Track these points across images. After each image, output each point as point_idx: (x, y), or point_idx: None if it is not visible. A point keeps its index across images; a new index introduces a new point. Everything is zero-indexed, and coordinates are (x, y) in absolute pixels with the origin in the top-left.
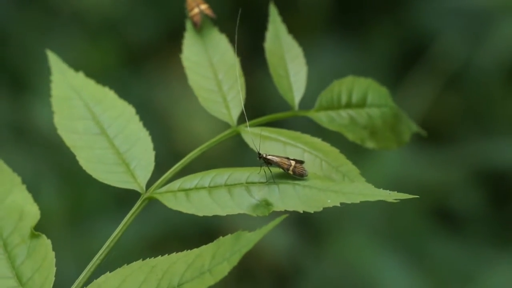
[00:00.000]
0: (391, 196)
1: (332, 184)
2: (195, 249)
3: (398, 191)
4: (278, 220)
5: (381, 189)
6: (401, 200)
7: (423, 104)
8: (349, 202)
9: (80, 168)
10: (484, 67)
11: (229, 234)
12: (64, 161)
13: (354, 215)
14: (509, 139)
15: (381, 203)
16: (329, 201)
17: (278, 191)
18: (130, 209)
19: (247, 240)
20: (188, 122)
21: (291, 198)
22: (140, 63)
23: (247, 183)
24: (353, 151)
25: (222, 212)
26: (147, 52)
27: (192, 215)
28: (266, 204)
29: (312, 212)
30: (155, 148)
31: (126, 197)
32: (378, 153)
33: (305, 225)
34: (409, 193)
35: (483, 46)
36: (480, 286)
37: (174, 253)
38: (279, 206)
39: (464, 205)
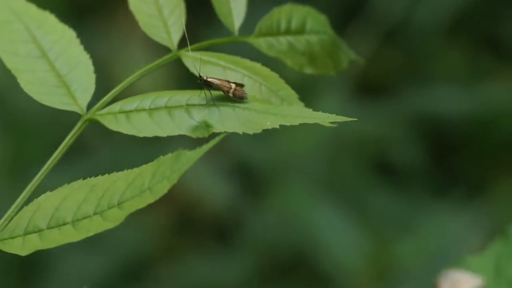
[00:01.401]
0: (330, 118)
1: (271, 107)
2: (135, 169)
3: (338, 143)
4: (218, 139)
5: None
6: (342, 151)
7: (362, 59)
8: (288, 124)
9: (20, 118)
10: (423, 21)
11: (169, 153)
12: (2, 111)
13: (295, 166)
14: (447, 88)
15: (322, 153)
16: (268, 123)
17: (218, 113)
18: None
19: (187, 158)
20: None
21: (231, 120)
22: (85, 14)
23: (187, 105)
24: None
25: (162, 133)
26: (92, 3)
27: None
28: (206, 125)
29: (251, 133)
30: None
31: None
32: (318, 105)
33: (246, 175)
34: (349, 146)
35: (422, 0)
36: (417, 235)
37: (115, 172)
38: (218, 128)
39: (404, 157)
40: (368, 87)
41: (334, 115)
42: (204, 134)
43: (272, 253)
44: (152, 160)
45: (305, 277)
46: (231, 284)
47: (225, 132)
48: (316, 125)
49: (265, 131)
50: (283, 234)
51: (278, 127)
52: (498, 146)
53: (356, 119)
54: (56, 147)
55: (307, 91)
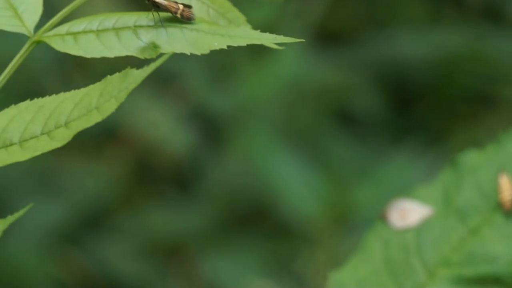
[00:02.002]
0: (277, 39)
1: (219, 28)
2: (83, 89)
3: (299, 92)
4: (165, 57)
5: (281, 84)
6: (303, 100)
7: (323, 8)
8: (235, 45)
9: None
10: None
11: (117, 73)
12: None
13: (255, 114)
14: (408, 36)
15: (283, 101)
16: (216, 44)
17: (166, 34)
18: None
19: (134, 77)
20: None
21: (179, 41)
22: None
23: (135, 26)
24: (253, 51)
25: (110, 54)
26: None
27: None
28: (154, 46)
29: (199, 54)
30: None
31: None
32: (278, 55)
33: (206, 123)
34: (311, 94)
35: None
36: (376, 181)
37: (62, 92)
38: (166, 49)
39: (364, 106)
40: (329, 36)
41: (282, 36)
42: (151, 55)
43: (233, 202)
44: None
45: (266, 225)
46: (192, 234)
47: (172, 51)
48: (277, 72)
49: (226, 77)
50: (244, 182)
51: (226, 47)
52: (458, 95)
53: (302, 40)
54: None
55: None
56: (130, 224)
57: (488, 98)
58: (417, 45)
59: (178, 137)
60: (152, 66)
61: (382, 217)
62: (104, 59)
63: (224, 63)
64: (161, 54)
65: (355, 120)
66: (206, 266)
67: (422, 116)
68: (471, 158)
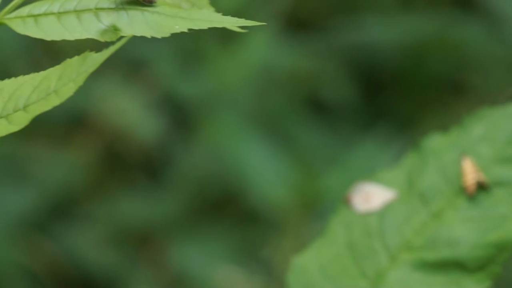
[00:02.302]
0: (238, 23)
1: (180, 10)
2: (41, 72)
3: (269, 79)
4: (124, 40)
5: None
6: (274, 86)
7: None
8: (196, 28)
9: None
10: None
11: (76, 56)
12: None
13: (225, 101)
14: (378, 22)
15: (253, 88)
16: (177, 27)
17: (127, 16)
18: None
19: (93, 60)
20: None
21: (140, 24)
22: None
23: (96, 8)
24: (223, 36)
25: (70, 37)
26: None
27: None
28: (114, 29)
29: (160, 37)
30: None
31: None
32: (248, 41)
33: (175, 110)
34: (281, 82)
35: None
36: (345, 168)
37: (21, 76)
38: (127, 31)
39: (335, 93)
40: (300, 22)
41: (243, 19)
42: (112, 37)
43: (203, 189)
44: None
45: (236, 212)
46: (161, 221)
47: (132, 34)
48: (247, 59)
49: (196, 64)
50: (214, 169)
51: (187, 31)
52: (428, 82)
53: (265, 23)
54: None
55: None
56: (100, 212)
57: (458, 84)
58: (387, 31)
59: (147, 124)
60: (111, 49)
61: (345, 201)
62: (73, 44)
63: (193, 49)
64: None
65: (325, 107)
66: (175, 253)
67: (392, 102)
68: (434, 142)
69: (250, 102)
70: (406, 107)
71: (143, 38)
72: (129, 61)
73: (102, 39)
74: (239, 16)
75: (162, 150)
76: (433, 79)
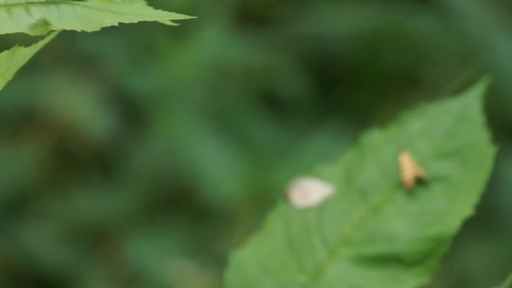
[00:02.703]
0: (169, 16)
1: (111, 4)
2: None
3: (222, 74)
4: (54, 34)
5: (202, 66)
6: (227, 81)
7: None
8: (127, 21)
9: None
10: None
11: (5, 51)
12: None
13: (178, 96)
14: (332, 14)
15: (206, 83)
16: (107, 21)
17: (57, 10)
18: None
19: (22, 55)
20: None
21: (70, 18)
22: None
23: (26, 3)
24: (175, 30)
25: (0, 31)
26: None
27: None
28: (45, 23)
29: (90, 31)
30: None
31: None
32: (198, 35)
33: (127, 105)
34: (234, 76)
35: None
36: (297, 161)
37: None
38: (57, 25)
39: (289, 87)
40: (253, 16)
41: (174, 13)
42: (42, 31)
43: (157, 185)
44: None
45: (190, 208)
46: (116, 218)
47: (63, 28)
48: (198, 53)
49: (147, 59)
50: (167, 165)
51: (117, 25)
52: (383, 74)
53: (195, 17)
54: None
55: (187, 23)
56: (53, 209)
57: (413, 77)
58: (341, 23)
59: (98, 120)
60: (41, 44)
61: (284, 196)
62: (16, 40)
63: (145, 44)
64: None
65: (279, 101)
66: (130, 250)
67: (347, 95)
68: (373, 137)
69: (203, 97)
70: (361, 100)
71: (94, 33)
72: (80, 56)
73: (32, 33)
74: (191, 11)
75: (114, 146)
76: (389, 72)
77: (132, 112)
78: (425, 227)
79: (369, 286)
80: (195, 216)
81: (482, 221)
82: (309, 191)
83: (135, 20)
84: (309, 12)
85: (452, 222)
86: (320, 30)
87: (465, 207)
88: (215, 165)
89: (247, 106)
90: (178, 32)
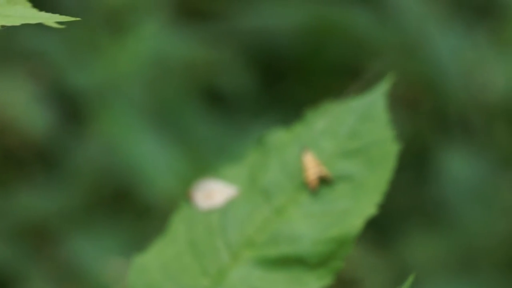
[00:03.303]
0: (53, 18)
1: None
2: None
3: (163, 69)
4: None
5: (132, 61)
6: (168, 77)
7: None
8: (9, 24)
9: None
10: None
11: None
12: None
13: (118, 91)
14: (275, 8)
15: (147, 78)
16: None
17: None
18: None
19: None
20: None
21: None
22: None
23: None
24: (111, 28)
25: None
26: None
27: None
28: None
29: None
30: None
31: None
32: (138, 30)
33: (66, 101)
34: (176, 72)
35: None
36: (233, 155)
37: None
38: None
39: (233, 83)
40: (195, 10)
41: (58, 15)
42: None
43: (98, 183)
44: None
45: (132, 206)
46: (57, 215)
47: None
48: (137, 48)
49: (86, 54)
50: (108, 163)
51: (0, 27)
52: (327, 68)
53: (79, 19)
54: None
55: (125, 18)
56: None
57: (357, 70)
58: (283, 17)
59: (38, 117)
60: None
61: (187, 198)
62: None
63: (84, 39)
64: None
65: (222, 97)
66: (70, 248)
67: (292, 89)
68: (277, 136)
69: (144, 93)
70: (305, 93)
71: (32, 28)
72: (19, 52)
73: None
74: (131, 7)
75: (55, 143)
76: (332, 66)
77: (73, 109)
78: (328, 228)
79: None
80: (136, 214)
81: (426, 214)
82: (213, 193)
83: (18, 22)
84: (251, 6)
85: (355, 222)
86: (262, 25)
87: (368, 207)
88: (155, 162)
89: (188, 101)
90: (118, 27)
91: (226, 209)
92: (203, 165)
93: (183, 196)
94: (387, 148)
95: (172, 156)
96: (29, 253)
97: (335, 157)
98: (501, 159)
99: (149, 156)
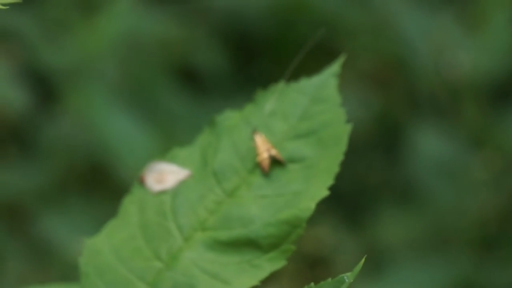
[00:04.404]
0: None
1: None
2: None
3: (136, 47)
4: None
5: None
6: (141, 55)
7: None
8: None
9: None
10: None
11: None
12: None
13: (90, 70)
14: None
15: (119, 57)
16: None
17: None
18: None
19: None
20: None
21: None
22: None
23: None
24: (84, 7)
25: None
26: None
27: None
28: None
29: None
30: None
31: None
32: (109, 8)
33: (39, 80)
34: (149, 51)
35: None
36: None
37: None
38: None
39: (207, 62)
40: None
41: None
42: None
43: (72, 162)
44: None
45: (105, 185)
46: (31, 194)
47: None
48: (109, 27)
49: (59, 33)
50: (82, 141)
51: None
52: (300, 47)
53: (20, 1)
54: None
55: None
56: None
57: (330, 50)
58: None
59: (12, 95)
60: None
61: (139, 180)
62: None
63: (57, 18)
64: None
65: (196, 76)
66: (44, 226)
67: (265, 69)
68: (228, 118)
69: (117, 71)
70: (279, 73)
71: (4, 9)
72: None
73: None
74: None
75: (30, 121)
76: (305, 45)
77: (47, 88)
78: (280, 210)
79: (225, 271)
80: (109, 193)
81: (397, 193)
82: (164, 175)
83: None
84: None
85: (307, 204)
86: (234, 4)
87: (320, 189)
88: (128, 141)
89: (162, 80)
90: (90, 6)
91: (178, 192)
92: (176, 144)
93: (135, 178)
94: (338, 129)
95: (146, 135)
96: (4, 230)
97: (287, 139)
98: (470, 138)
99: (122, 134)
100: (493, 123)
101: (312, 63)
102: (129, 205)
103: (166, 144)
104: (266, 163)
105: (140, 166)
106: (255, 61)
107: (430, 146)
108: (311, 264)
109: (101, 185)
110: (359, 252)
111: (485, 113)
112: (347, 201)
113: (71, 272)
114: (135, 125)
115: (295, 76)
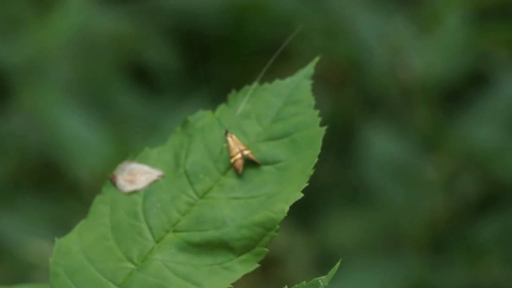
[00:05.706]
0: None
1: None
2: None
3: (89, 45)
4: None
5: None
6: (95, 54)
7: None
8: None
9: None
10: None
11: None
12: None
13: (44, 67)
14: None
15: (71, 54)
16: None
17: None
18: None
19: None
20: None
21: None
22: None
23: None
24: (36, 3)
25: None
26: None
27: None
28: None
29: None
30: None
31: None
32: (62, 6)
33: None
34: (101, 49)
35: None
36: (160, 134)
37: None
38: None
39: (159, 61)
40: None
41: None
42: None
43: (24, 160)
44: None
45: (58, 184)
46: None
47: None
48: (62, 24)
49: (11, 30)
50: (34, 139)
51: None
52: (253, 48)
53: None
54: None
55: None
56: None
57: (284, 51)
58: None
59: None
60: None
61: (110, 180)
62: None
63: (9, 15)
64: None
65: (150, 76)
66: None
67: (218, 69)
68: (201, 118)
69: (70, 69)
70: (232, 73)
71: None
72: None
73: None
74: None
75: None
76: (258, 46)
77: (0, 84)
78: (254, 212)
79: (196, 273)
80: (62, 192)
81: (350, 194)
82: (136, 176)
83: None
84: None
85: (281, 206)
86: (187, 3)
87: (294, 191)
88: (80, 139)
89: (115, 78)
90: (45, 3)
91: (149, 192)
92: (128, 143)
93: (106, 178)
94: (312, 131)
95: (98, 133)
96: None
97: (261, 141)
98: (422, 139)
99: (74, 132)
100: (445, 125)
101: (264, 65)
102: (100, 205)
103: (120, 144)
104: (239, 163)
105: (92, 164)
106: (209, 60)
107: (382, 147)
108: (264, 264)
109: (54, 183)
110: (311, 253)
111: (437, 115)
112: (300, 202)
113: (23, 270)
114: (87, 123)
115: (248, 76)
